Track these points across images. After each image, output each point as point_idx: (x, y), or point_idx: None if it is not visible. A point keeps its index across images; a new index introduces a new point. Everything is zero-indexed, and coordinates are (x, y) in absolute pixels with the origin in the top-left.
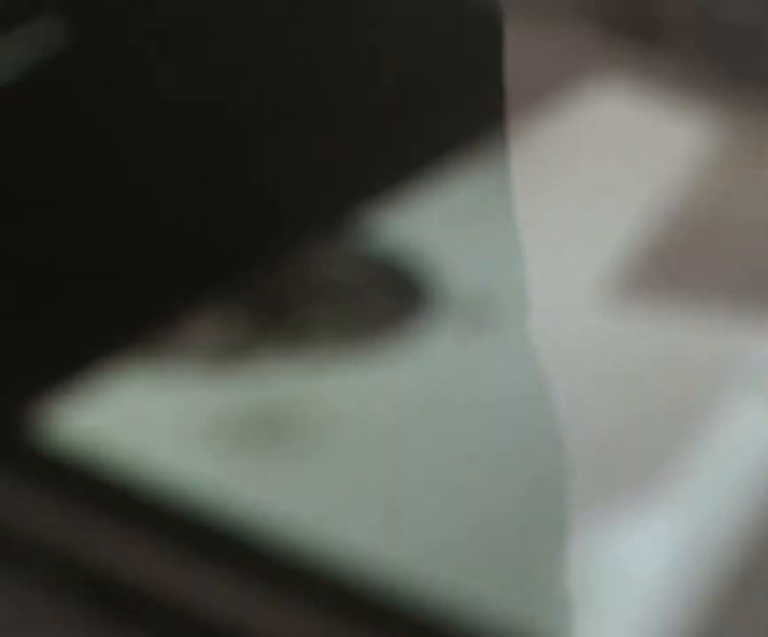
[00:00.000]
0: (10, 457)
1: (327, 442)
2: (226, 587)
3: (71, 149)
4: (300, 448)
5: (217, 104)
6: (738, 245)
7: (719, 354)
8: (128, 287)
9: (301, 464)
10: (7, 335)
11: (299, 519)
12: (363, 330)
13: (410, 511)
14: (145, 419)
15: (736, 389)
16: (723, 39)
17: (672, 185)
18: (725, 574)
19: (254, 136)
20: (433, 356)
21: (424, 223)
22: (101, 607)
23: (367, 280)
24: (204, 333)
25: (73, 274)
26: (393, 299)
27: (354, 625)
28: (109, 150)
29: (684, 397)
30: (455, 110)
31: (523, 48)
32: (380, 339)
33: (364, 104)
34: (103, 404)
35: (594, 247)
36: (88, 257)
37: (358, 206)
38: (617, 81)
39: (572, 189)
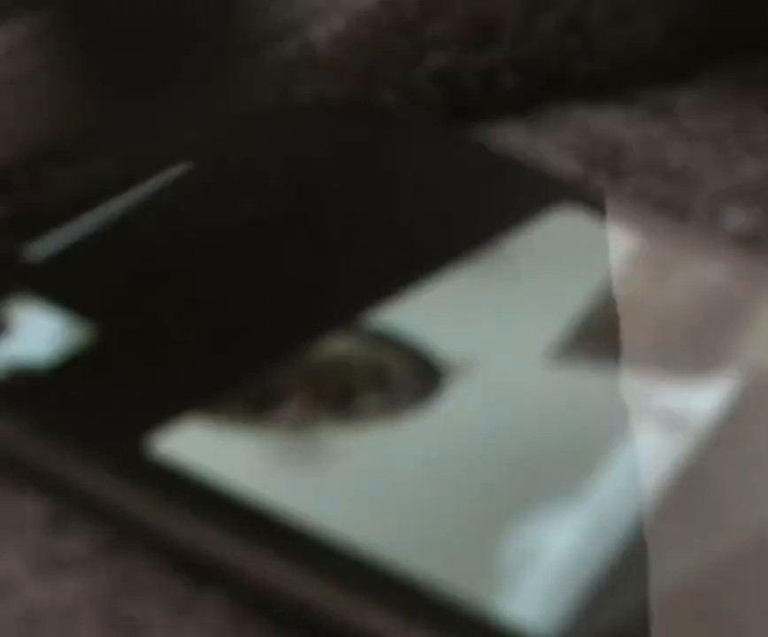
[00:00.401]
0: (133, 468)
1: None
2: (276, 561)
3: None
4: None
5: (275, 240)
6: (646, 325)
7: (630, 398)
8: (221, 358)
9: (331, 479)
10: (136, 379)
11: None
12: (402, 409)
13: (398, 513)
14: (226, 450)
15: (639, 423)
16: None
17: (606, 281)
18: (620, 556)
19: (303, 251)
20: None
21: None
22: (193, 576)
23: (398, 363)
24: (279, 406)
25: (187, 346)
26: (419, 379)
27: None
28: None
29: (601, 428)
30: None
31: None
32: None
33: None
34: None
35: (547, 321)
36: (200, 337)
37: (382, 305)
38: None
39: (536, 284)
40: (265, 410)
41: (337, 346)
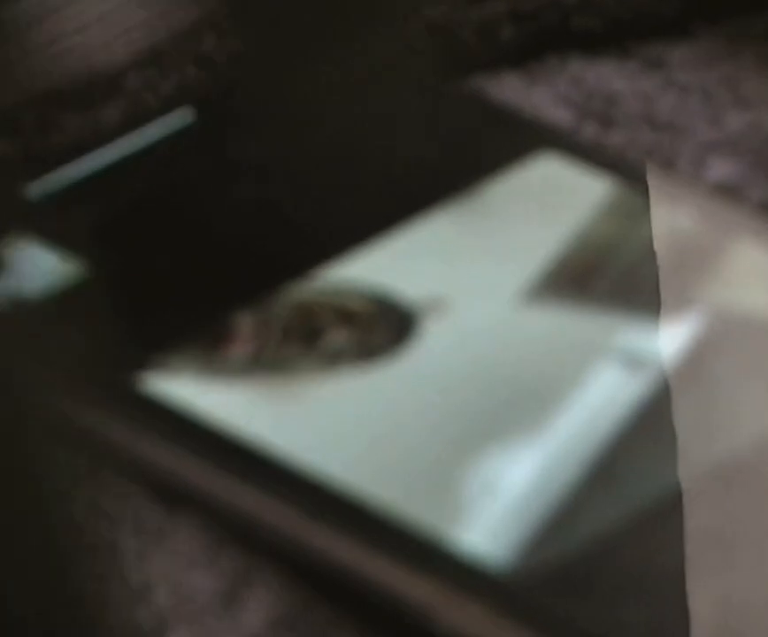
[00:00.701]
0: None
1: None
2: (249, 489)
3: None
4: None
5: (283, 180)
6: (614, 268)
7: (596, 339)
8: (199, 294)
9: (304, 410)
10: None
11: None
12: (369, 349)
13: (363, 446)
14: (206, 387)
15: (605, 360)
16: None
17: (577, 227)
18: (576, 492)
19: (297, 200)
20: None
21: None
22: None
23: (364, 307)
24: (245, 338)
25: (175, 286)
26: (387, 322)
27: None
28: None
29: (567, 368)
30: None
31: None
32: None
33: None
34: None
35: (520, 265)
36: (187, 278)
37: (359, 248)
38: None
39: (513, 229)
40: (232, 348)
41: (304, 291)
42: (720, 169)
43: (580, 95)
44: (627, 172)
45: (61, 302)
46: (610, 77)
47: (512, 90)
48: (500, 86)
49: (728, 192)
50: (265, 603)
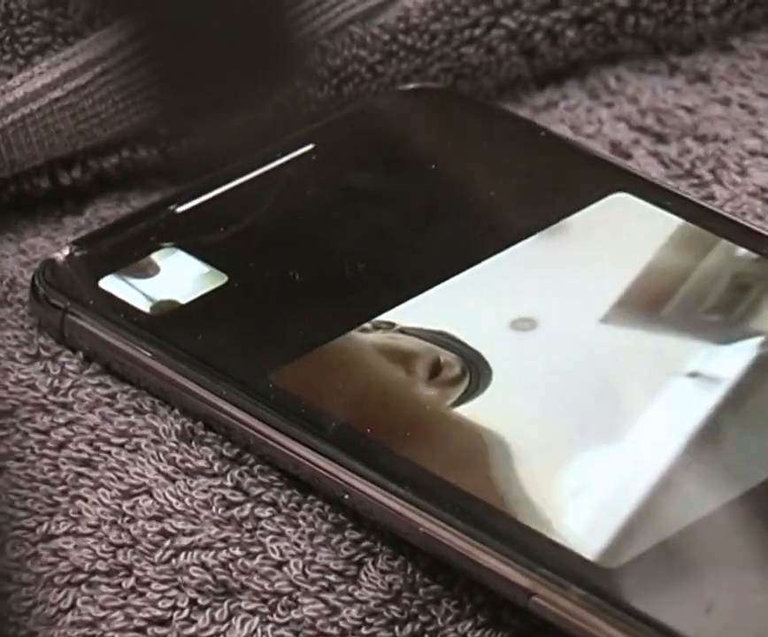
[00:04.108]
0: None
1: None
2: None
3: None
4: None
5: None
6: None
7: (668, 353)
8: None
9: None
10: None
11: None
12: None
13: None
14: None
15: (676, 374)
16: None
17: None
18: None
19: (396, 219)
20: None
21: None
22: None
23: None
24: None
25: None
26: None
27: None
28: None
29: (643, 377)
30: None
31: None
32: None
33: None
34: None
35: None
36: None
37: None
38: None
39: (591, 259)
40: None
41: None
42: (762, 176)
43: (637, 112)
44: (692, 209)
45: (203, 305)
46: (660, 93)
47: (579, 106)
48: (567, 101)
49: None
50: (378, 580)
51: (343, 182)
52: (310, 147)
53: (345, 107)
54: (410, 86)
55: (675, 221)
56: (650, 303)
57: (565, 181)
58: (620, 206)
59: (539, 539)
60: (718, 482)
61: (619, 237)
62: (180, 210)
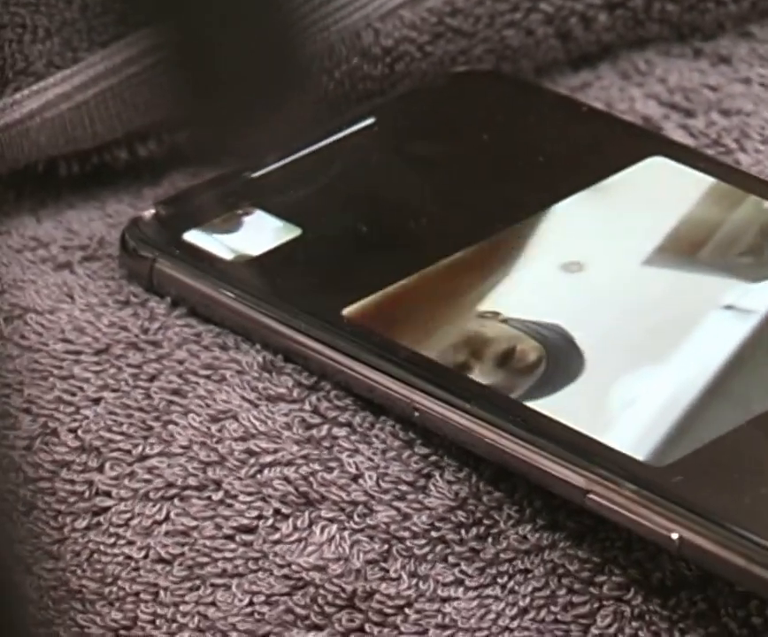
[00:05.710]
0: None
1: None
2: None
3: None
4: None
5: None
6: (715, 242)
7: (705, 291)
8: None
9: None
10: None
11: None
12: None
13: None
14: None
15: (713, 307)
16: None
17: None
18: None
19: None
20: None
21: None
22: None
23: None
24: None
25: None
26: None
27: None
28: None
29: (683, 311)
30: None
31: None
32: None
33: None
34: None
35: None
36: None
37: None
38: None
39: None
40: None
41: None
42: None
43: (666, 91)
44: (721, 169)
45: (280, 253)
46: (686, 74)
47: (612, 88)
48: (600, 82)
49: None
50: (445, 489)
51: (403, 150)
52: (371, 120)
53: (399, 85)
54: (460, 69)
55: (707, 180)
56: (688, 247)
57: (606, 148)
58: (657, 168)
59: (594, 443)
60: (753, 395)
61: (657, 194)
62: (255, 175)
